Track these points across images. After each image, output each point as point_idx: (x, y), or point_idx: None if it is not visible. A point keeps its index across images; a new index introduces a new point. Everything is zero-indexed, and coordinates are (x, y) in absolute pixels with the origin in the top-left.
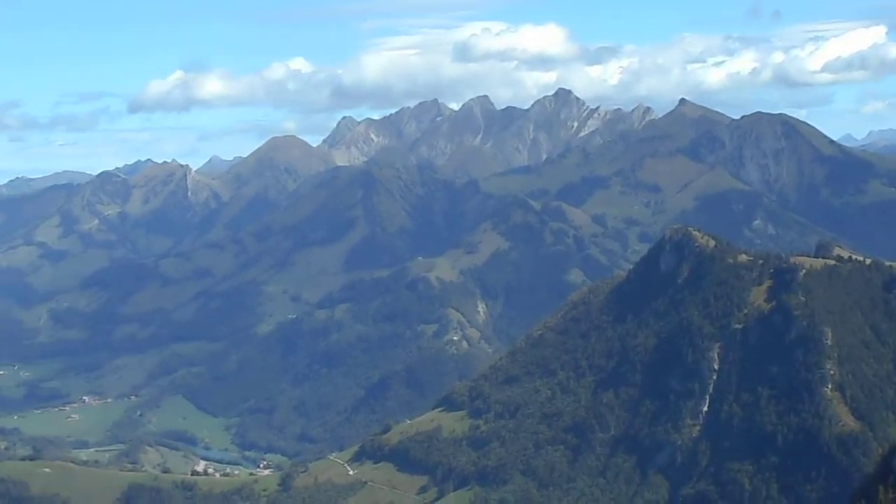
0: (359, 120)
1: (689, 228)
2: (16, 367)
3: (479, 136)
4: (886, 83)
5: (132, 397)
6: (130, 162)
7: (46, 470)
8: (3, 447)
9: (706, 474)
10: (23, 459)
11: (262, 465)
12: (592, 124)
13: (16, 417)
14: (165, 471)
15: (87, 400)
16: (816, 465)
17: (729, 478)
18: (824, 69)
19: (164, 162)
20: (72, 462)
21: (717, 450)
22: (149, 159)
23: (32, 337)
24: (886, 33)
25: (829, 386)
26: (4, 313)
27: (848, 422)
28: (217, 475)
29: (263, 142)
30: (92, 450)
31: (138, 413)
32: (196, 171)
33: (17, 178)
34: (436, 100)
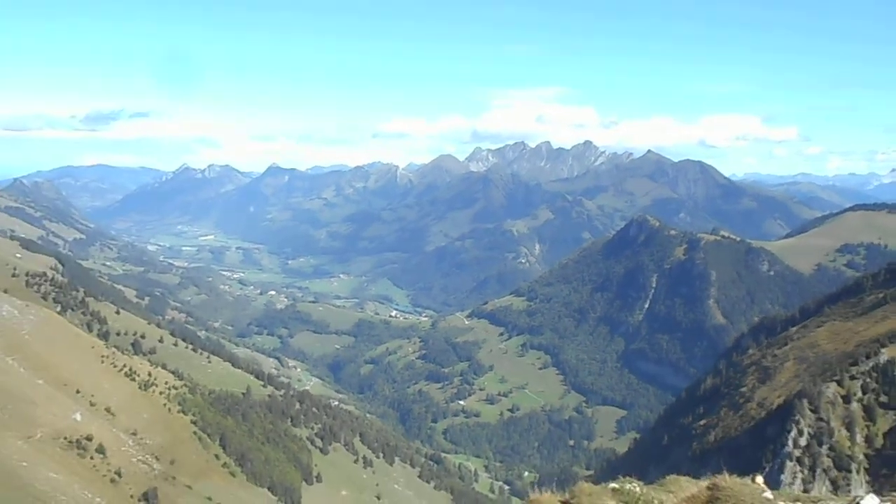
0: (483, 149)
1: (646, 216)
2: (308, 258)
3: (543, 160)
4: (756, 147)
5: (363, 277)
6: (369, 162)
7: (320, 308)
8: (300, 296)
9: (644, 339)
10: (309, 302)
11: (423, 315)
12: (601, 159)
13: (307, 282)
14: (376, 314)
15: (341, 276)
16: (702, 339)
17: (655, 341)
18: (724, 139)
19: (386, 163)
20: (332, 305)
21: (651, 327)
22: (378, 161)
23: (317, 244)
24: (760, 121)
25: (712, 300)
26: (305, 232)
27: (720, 318)
28: (401, 318)
29: (435, 157)
30: (342, 300)
31: (365, 284)
32: (401, 169)
33: (315, 166)
34: (523, 141)
